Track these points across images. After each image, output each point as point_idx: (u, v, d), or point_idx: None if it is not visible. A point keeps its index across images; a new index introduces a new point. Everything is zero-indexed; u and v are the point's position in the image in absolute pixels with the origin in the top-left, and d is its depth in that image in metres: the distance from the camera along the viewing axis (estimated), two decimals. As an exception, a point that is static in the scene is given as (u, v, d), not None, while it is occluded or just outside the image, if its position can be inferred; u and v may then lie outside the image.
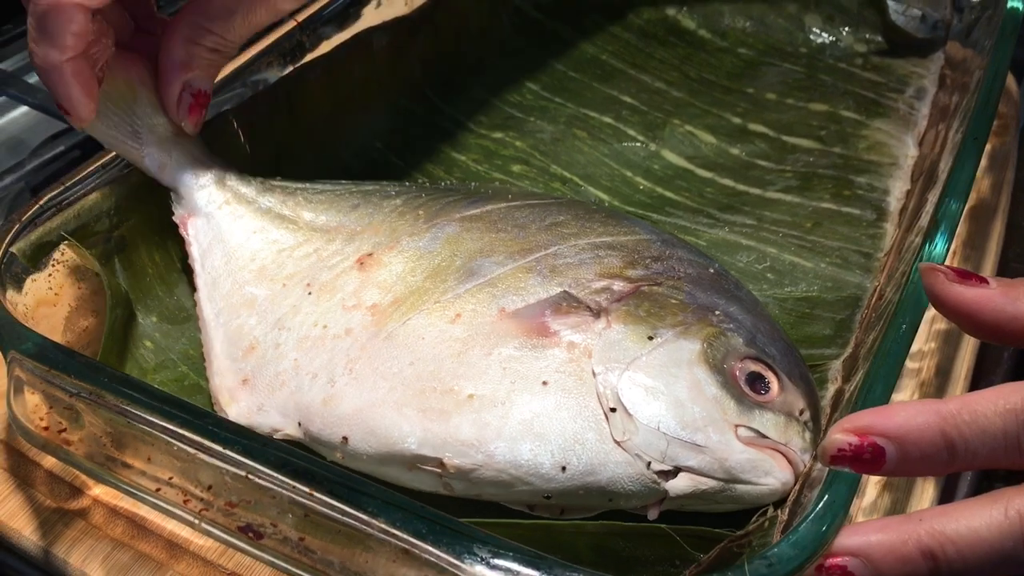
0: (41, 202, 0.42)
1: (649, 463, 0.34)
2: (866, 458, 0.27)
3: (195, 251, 0.45)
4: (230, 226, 0.45)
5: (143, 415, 0.32)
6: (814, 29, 0.66)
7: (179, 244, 0.48)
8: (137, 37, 0.46)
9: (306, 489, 0.30)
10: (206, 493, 0.32)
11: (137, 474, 0.33)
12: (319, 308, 0.40)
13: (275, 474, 0.30)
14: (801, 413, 0.36)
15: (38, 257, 0.41)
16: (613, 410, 0.34)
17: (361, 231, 0.44)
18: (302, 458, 0.31)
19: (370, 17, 0.58)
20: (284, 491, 0.30)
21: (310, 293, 0.41)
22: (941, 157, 0.49)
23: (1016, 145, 0.61)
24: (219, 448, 0.31)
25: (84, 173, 0.44)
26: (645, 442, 0.34)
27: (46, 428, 0.34)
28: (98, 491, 0.39)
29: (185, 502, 0.32)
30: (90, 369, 0.34)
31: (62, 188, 0.43)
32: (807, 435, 0.36)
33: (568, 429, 0.34)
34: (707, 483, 0.34)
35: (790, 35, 0.66)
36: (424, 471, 0.35)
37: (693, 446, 0.34)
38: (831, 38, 0.65)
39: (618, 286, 0.39)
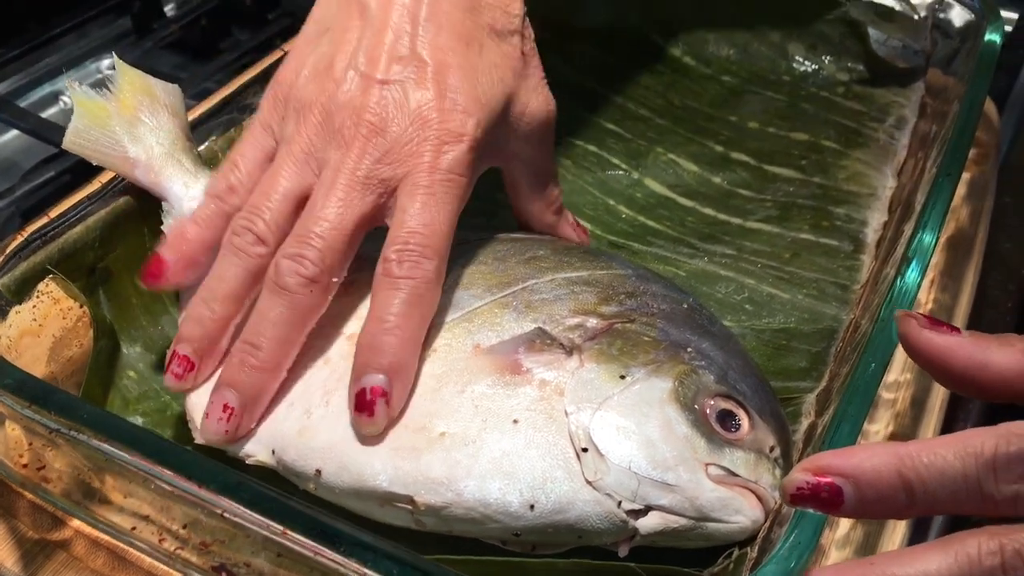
0: (25, 235, 0.42)
1: (620, 502, 0.34)
2: (823, 497, 0.28)
3: None
4: None
5: (120, 452, 0.33)
6: (797, 57, 0.66)
7: (164, 274, 0.48)
8: None
9: (279, 528, 0.31)
10: (182, 531, 0.32)
11: (115, 511, 0.34)
12: None
13: (249, 512, 0.31)
14: (771, 450, 0.37)
15: (23, 291, 0.42)
16: (585, 450, 0.35)
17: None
18: (276, 497, 0.31)
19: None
20: (258, 529, 0.31)
21: None
22: (918, 188, 0.49)
23: (995, 174, 0.62)
24: (194, 486, 0.31)
25: (69, 205, 0.45)
26: (616, 482, 0.34)
27: (25, 465, 0.35)
28: (79, 523, 0.39)
29: (161, 541, 0.33)
30: (69, 405, 0.34)
31: (47, 220, 0.43)
32: (777, 472, 0.37)
33: (537, 468, 0.35)
34: (678, 521, 0.35)
35: (773, 63, 0.67)
36: (396, 507, 0.35)
37: (664, 485, 0.34)
38: (814, 66, 0.66)
39: (592, 323, 0.39)
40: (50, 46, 0.76)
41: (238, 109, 0.53)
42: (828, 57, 0.66)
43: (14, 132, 0.69)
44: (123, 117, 0.46)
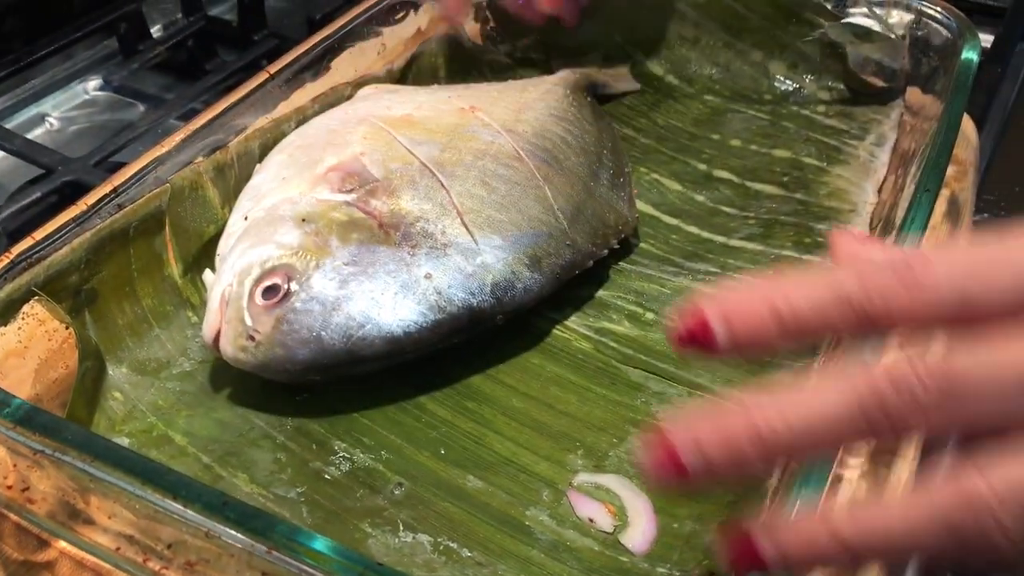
0: (11, 257, 0.42)
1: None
2: (698, 335, 0.28)
3: None
4: None
5: (105, 473, 0.33)
6: (778, 77, 0.67)
7: (149, 296, 0.48)
8: None
9: (264, 547, 0.31)
10: (166, 551, 0.32)
11: (99, 532, 0.34)
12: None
13: (234, 532, 0.31)
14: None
15: (8, 313, 0.42)
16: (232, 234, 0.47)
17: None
18: (261, 516, 0.31)
19: (343, 70, 0.60)
20: (243, 548, 0.31)
21: None
22: (898, 204, 0.50)
23: (975, 191, 0.62)
24: (179, 506, 0.31)
25: (55, 227, 0.45)
26: (225, 245, 0.47)
27: (9, 487, 0.35)
28: (65, 544, 0.39)
29: (145, 561, 0.33)
30: (53, 426, 0.34)
31: (32, 243, 0.44)
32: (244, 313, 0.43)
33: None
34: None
35: (755, 82, 0.68)
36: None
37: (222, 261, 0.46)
38: (795, 85, 0.67)
39: (380, 203, 0.47)
40: (36, 67, 0.76)
41: (224, 130, 0.54)
42: (809, 76, 0.67)
43: (0, 153, 0.69)
44: None
